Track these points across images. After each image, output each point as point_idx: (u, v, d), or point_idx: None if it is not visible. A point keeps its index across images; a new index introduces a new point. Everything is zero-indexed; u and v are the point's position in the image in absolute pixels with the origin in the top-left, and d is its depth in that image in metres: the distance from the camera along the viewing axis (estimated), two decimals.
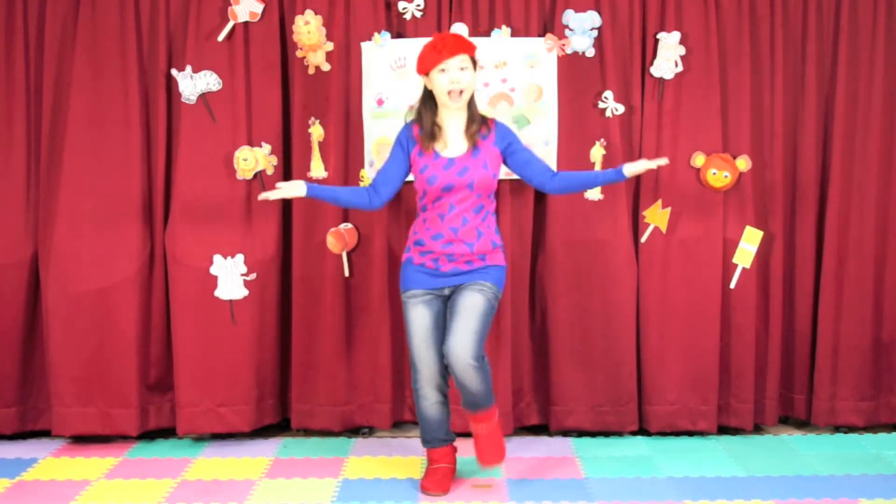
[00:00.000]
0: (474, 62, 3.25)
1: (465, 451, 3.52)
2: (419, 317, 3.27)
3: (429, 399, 3.30)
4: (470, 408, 3.32)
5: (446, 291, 3.31)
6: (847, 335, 3.98)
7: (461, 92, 3.19)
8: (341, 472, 3.58)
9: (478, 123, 3.26)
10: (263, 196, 3.36)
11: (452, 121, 3.26)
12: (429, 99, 3.28)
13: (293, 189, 3.30)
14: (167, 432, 4.03)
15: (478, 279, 3.28)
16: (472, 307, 3.21)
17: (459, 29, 3.80)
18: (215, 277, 3.85)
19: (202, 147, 3.85)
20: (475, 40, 3.76)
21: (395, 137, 3.35)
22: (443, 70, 3.18)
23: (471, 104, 3.28)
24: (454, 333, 3.18)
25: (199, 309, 3.86)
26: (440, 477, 3.36)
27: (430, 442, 3.38)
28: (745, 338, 3.95)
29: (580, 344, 3.94)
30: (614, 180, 3.33)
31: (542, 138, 3.82)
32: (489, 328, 3.28)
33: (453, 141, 3.26)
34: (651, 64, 3.88)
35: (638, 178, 3.94)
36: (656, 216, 3.91)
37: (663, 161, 3.31)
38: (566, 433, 4.03)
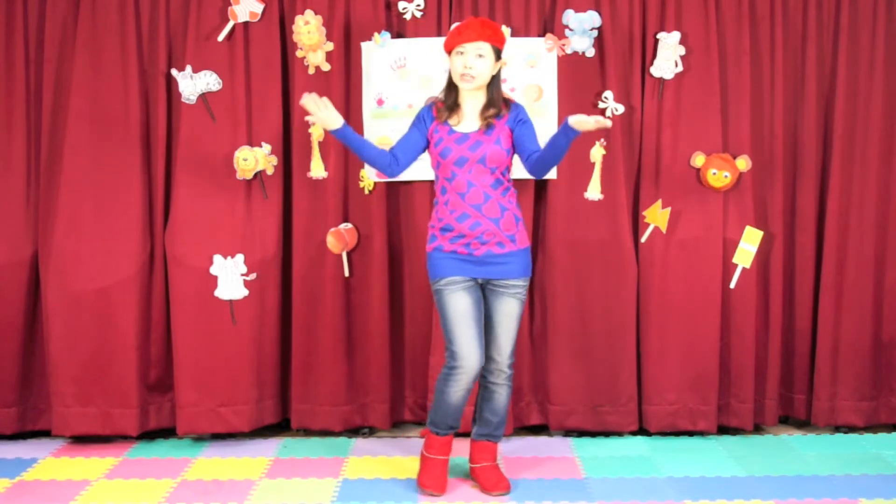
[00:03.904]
0: (498, 52, 3.24)
1: (460, 450, 3.52)
2: (460, 302, 3.22)
3: (463, 385, 3.22)
4: (483, 436, 3.37)
5: (481, 281, 3.29)
6: (847, 335, 3.98)
7: (472, 78, 3.20)
8: (341, 472, 3.58)
9: (496, 108, 3.26)
10: (305, 100, 3.23)
11: (470, 101, 3.28)
12: (452, 83, 3.31)
13: (330, 118, 3.24)
14: (167, 432, 4.03)
15: (512, 276, 3.26)
16: (511, 316, 3.28)
17: None
18: (215, 277, 3.86)
19: (202, 147, 3.85)
20: None
21: (417, 113, 3.36)
22: (460, 52, 3.20)
23: (492, 87, 3.26)
24: (496, 345, 3.27)
25: (199, 309, 3.86)
26: (438, 473, 3.35)
27: (439, 426, 3.33)
28: (745, 338, 3.95)
29: (580, 344, 3.94)
30: (568, 137, 3.13)
31: (542, 138, 3.81)
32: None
33: (468, 119, 3.28)
34: (651, 64, 3.88)
35: (638, 179, 3.94)
36: (656, 216, 3.91)
37: (607, 123, 3.09)
38: (566, 433, 4.03)
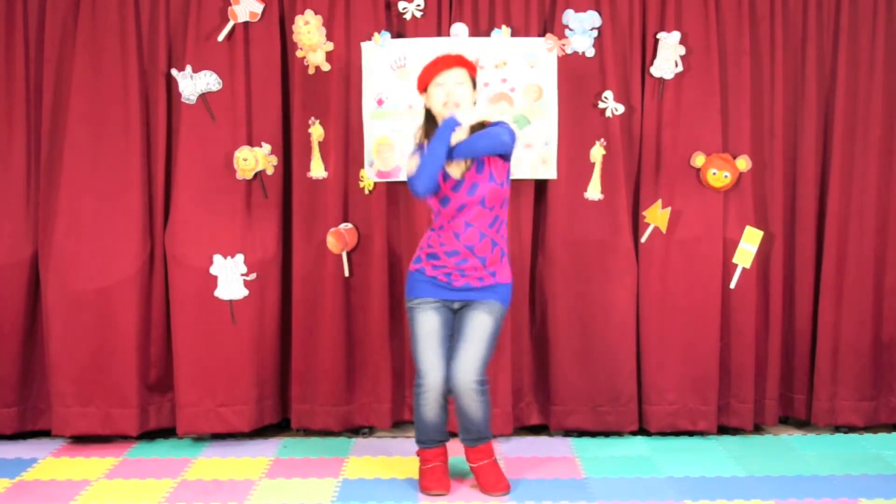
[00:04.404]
0: (474, 82, 3.25)
1: (460, 450, 3.52)
2: (428, 321, 3.26)
3: (431, 403, 3.28)
4: (470, 441, 3.35)
5: (455, 305, 3.32)
6: (847, 335, 3.98)
7: (457, 104, 3.18)
8: (341, 472, 3.58)
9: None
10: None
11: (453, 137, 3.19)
12: (430, 119, 3.27)
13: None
14: (167, 432, 4.03)
15: (487, 298, 3.28)
16: (480, 330, 3.24)
17: (459, 29, 3.80)
18: (215, 277, 3.86)
19: (202, 147, 3.85)
20: (475, 40, 3.78)
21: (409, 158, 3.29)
22: (439, 84, 3.19)
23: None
24: (460, 358, 3.22)
25: (199, 309, 3.86)
26: (439, 475, 3.36)
27: (426, 443, 3.38)
28: (745, 338, 3.95)
29: (580, 344, 3.94)
30: (452, 127, 3.11)
31: (542, 138, 3.82)
32: (494, 350, 3.32)
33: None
34: (651, 64, 3.88)
35: (638, 179, 3.94)
36: (656, 216, 3.91)
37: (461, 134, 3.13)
38: (566, 433, 4.03)
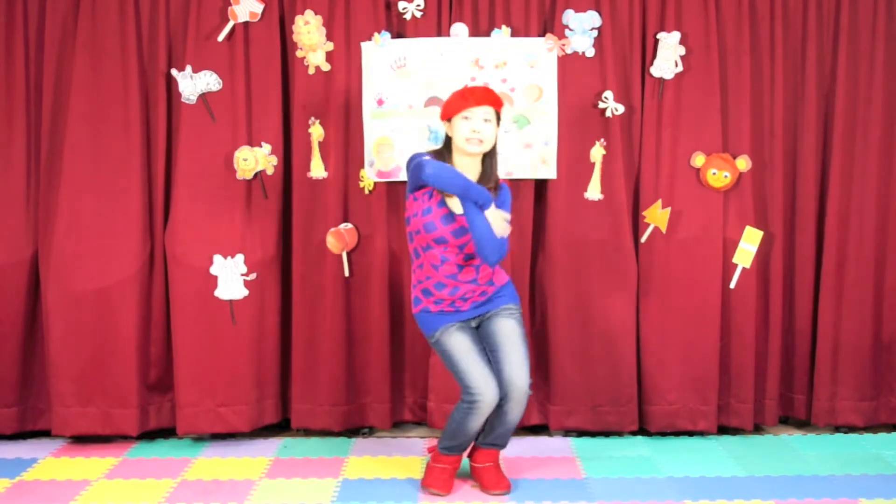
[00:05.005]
0: (499, 117, 3.23)
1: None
2: (460, 341, 3.23)
3: (483, 416, 3.19)
4: (490, 445, 3.35)
5: (473, 323, 3.32)
6: (847, 335, 3.98)
7: (480, 142, 3.16)
8: (341, 472, 3.58)
9: (490, 182, 3.21)
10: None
11: (465, 172, 3.18)
12: (448, 146, 3.25)
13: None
14: (167, 432, 4.03)
15: (501, 304, 3.29)
16: (513, 334, 3.26)
17: (459, 29, 3.80)
18: (215, 277, 3.86)
19: (202, 147, 3.85)
20: (475, 40, 3.78)
21: (426, 163, 3.14)
22: (466, 118, 3.16)
23: (487, 159, 3.23)
24: (509, 364, 3.20)
25: (199, 309, 3.86)
26: (447, 477, 3.35)
27: (451, 450, 3.34)
28: (745, 338, 3.95)
29: (580, 344, 3.94)
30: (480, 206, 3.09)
31: (542, 138, 3.82)
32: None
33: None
34: (651, 64, 3.88)
35: (638, 178, 3.94)
36: (656, 216, 3.91)
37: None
38: (566, 433, 4.03)
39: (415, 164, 3.14)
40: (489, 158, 3.24)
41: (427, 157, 3.14)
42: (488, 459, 3.37)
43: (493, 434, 3.33)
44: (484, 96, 3.18)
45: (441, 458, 3.38)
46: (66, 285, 3.82)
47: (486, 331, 3.30)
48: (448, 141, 3.25)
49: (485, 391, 3.15)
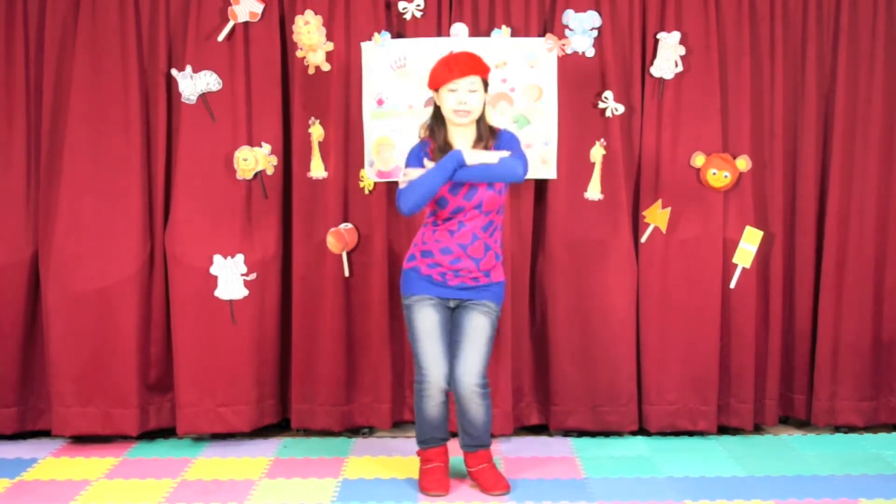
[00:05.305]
0: (486, 84, 3.25)
1: (460, 450, 3.52)
2: (427, 319, 3.27)
3: (433, 399, 3.29)
4: (470, 447, 3.36)
5: (451, 303, 3.32)
6: (847, 335, 3.98)
7: (468, 113, 3.19)
8: (341, 472, 3.58)
9: (485, 142, 3.26)
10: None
11: (460, 138, 3.26)
12: (439, 114, 3.28)
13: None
14: (167, 432, 4.03)
15: (482, 298, 3.29)
16: (478, 331, 3.26)
17: (459, 29, 3.80)
18: (215, 277, 3.85)
19: (202, 147, 3.85)
20: (475, 40, 3.78)
21: (410, 154, 3.28)
22: (452, 90, 3.18)
23: (480, 122, 3.27)
24: (462, 360, 3.24)
25: (199, 309, 3.86)
26: (439, 476, 3.36)
27: (427, 442, 3.38)
28: (745, 338, 3.95)
29: (580, 344, 3.94)
30: (455, 163, 3.16)
31: (542, 138, 3.82)
32: (492, 350, 3.34)
33: None
34: (651, 64, 3.88)
35: (638, 178, 3.94)
36: (656, 216, 3.91)
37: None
38: (566, 433, 4.03)
39: (398, 194, 3.22)
40: (481, 119, 3.27)
41: (400, 187, 3.21)
42: (480, 461, 3.38)
43: (467, 435, 3.34)
44: (468, 66, 3.19)
45: (424, 455, 3.39)
46: (66, 285, 3.82)
47: (458, 318, 3.30)
48: (437, 111, 3.27)
49: (432, 372, 3.23)
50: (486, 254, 3.26)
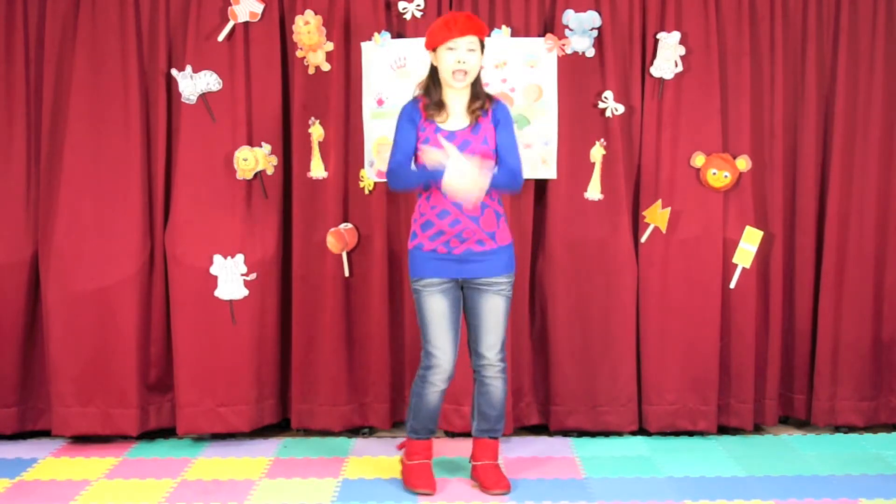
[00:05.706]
0: (483, 44, 3.24)
1: (460, 450, 3.52)
2: (437, 304, 3.24)
3: (436, 387, 3.26)
4: (484, 432, 3.35)
5: (461, 282, 3.29)
6: (847, 335, 3.98)
7: (465, 73, 3.18)
8: (341, 472, 3.58)
9: (481, 101, 3.25)
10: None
11: (455, 97, 3.24)
12: (435, 74, 3.27)
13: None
14: (167, 432, 4.03)
15: (493, 274, 3.26)
16: (494, 312, 3.27)
17: None
18: (215, 277, 3.86)
19: (202, 147, 3.85)
20: None
21: (402, 113, 3.28)
22: (451, 48, 3.17)
23: (475, 83, 3.26)
24: (482, 342, 3.26)
25: (199, 309, 3.86)
26: (426, 473, 3.35)
27: (419, 432, 3.35)
28: (745, 338, 3.95)
29: (580, 344, 3.94)
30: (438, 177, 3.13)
31: (542, 138, 3.82)
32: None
33: (455, 116, 3.24)
34: (651, 64, 3.88)
35: (638, 178, 3.94)
36: (656, 216, 3.91)
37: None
38: (566, 433, 4.03)
39: (387, 172, 3.30)
40: (476, 79, 3.25)
41: (389, 165, 3.26)
42: (487, 455, 3.37)
43: (482, 417, 3.33)
44: (468, 25, 3.18)
45: (411, 447, 3.37)
46: (65, 285, 3.82)
47: (471, 301, 3.29)
48: (433, 71, 3.26)
49: (441, 357, 3.23)
50: (483, 211, 3.22)
